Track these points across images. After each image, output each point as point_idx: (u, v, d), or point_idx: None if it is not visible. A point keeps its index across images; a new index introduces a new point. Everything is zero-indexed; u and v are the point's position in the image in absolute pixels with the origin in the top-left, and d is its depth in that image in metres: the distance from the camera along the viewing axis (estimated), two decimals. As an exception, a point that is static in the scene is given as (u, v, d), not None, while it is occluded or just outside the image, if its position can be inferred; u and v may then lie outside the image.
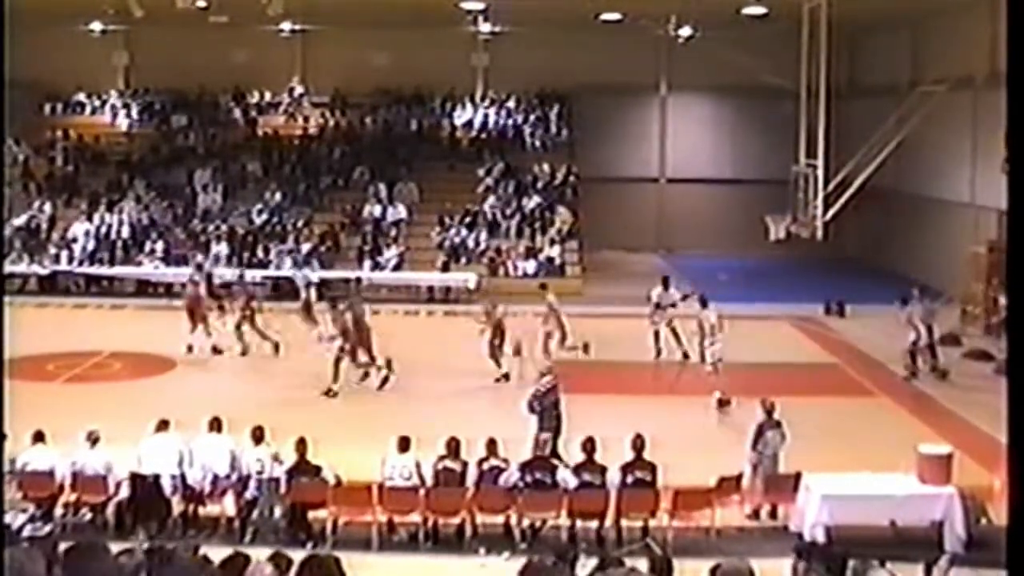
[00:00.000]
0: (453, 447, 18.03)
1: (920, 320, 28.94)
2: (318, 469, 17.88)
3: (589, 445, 17.99)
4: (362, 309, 28.35)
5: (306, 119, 50.43)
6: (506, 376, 27.58)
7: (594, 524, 17.65)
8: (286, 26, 48.67)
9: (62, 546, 8.98)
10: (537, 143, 48.96)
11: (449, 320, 35.21)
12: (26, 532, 16.47)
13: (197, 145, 48.66)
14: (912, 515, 17.11)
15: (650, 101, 51.59)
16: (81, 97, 52.20)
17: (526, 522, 17.74)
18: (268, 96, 51.87)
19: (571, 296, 35.65)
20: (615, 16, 42.89)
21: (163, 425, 18.80)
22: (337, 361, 26.70)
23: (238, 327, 30.16)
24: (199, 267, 34.90)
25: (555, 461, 18.96)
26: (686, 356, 29.51)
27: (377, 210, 43.69)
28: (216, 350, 30.22)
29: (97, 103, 52.18)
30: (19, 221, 43.62)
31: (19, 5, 38.63)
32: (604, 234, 46.88)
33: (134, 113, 51.49)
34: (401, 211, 43.67)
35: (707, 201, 51.02)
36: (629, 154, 51.46)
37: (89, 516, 18.11)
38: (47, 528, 16.97)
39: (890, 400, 26.92)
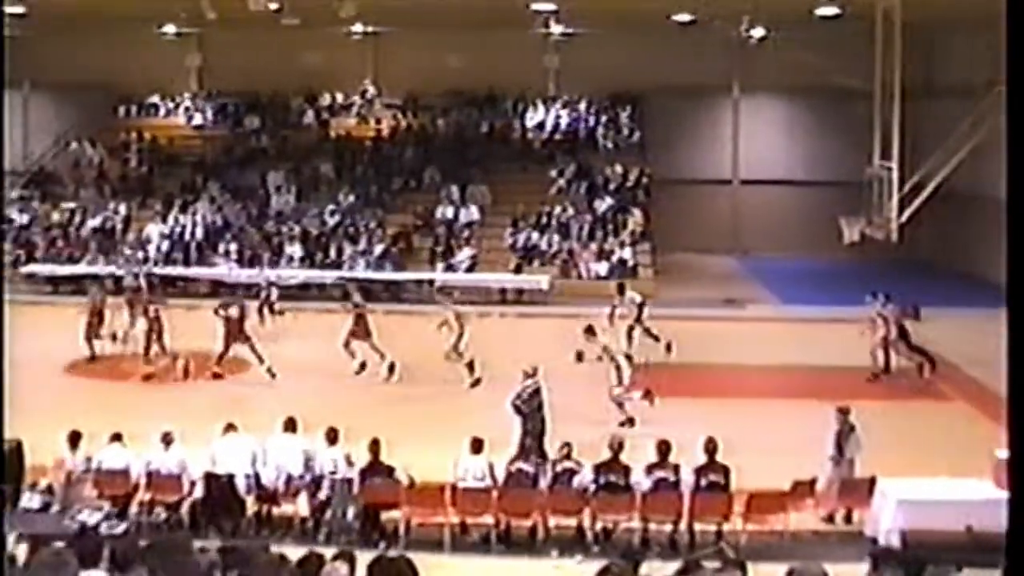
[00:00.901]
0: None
1: (893, 320, 29.01)
2: (391, 470, 17.93)
3: (663, 447, 17.93)
4: (362, 305, 29.20)
5: (378, 121, 50.54)
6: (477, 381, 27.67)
7: (667, 527, 17.60)
8: (358, 28, 48.78)
9: (144, 543, 9.03)
10: (609, 145, 48.81)
11: (522, 322, 35.23)
12: (102, 530, 16.64)
13: (270, 147, 48.88)
14: (989, 520, 16.88)
15: (723, 102, 51.33)
16: (155, 99, 52.61)
17: (599, 525, 17.69)
18: (340, 98, 52.01)
19: (644, 298, 35.51)
20: (687, 17, 42.70)
21: (232, 427, 18.91)
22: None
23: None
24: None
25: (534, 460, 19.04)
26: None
27: (449, 212, 43.74)
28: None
29: (171, 105, 52.57)
30: (94, 222, 44.04)
31: (94, 9, 39.12)
32: (677, 236, 46.64)
33: (207, 115, 51.82)
34: (473, 213, 43.69)
35: (780, 203, 50.67)
36: (702, 156, 51.23)
37: (164, 515, 18.23)
38: (122, 526, 17.12)
39: (966, 404, 26.63)
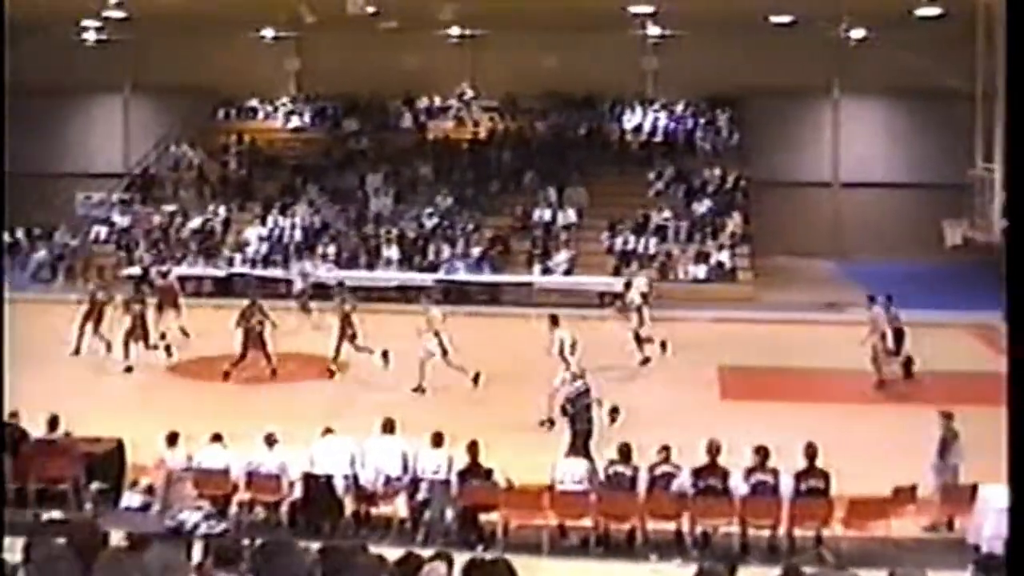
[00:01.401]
0: (625, 452, 17.92)
1: (888, 323, 28.67)
2: (489, 472, 17.90)
3: (761, 451, 17.76)
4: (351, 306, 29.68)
5: (476, 123, 50.59)
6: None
7: (765, 532, 17.44)
8: (455, 31, 48.89)
9: (247, 542, 9.06)
10: (707, 147, 48.54)
11: (620, 325, 35.05)
12: (201, 530, 16.77)
13: (368, 149, 49.08)
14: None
15: (822, 104, 50.87)
16: (254, 103, 53.02)
17: (697, 529, 17.56)
18: (438, 101, 52.13)
19: (743, 302, 35.36)
20: (786, 18, 42.40)
21: (330, 430, 18.99)
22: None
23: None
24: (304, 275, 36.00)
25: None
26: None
27: (547, 214, 43.69)
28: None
29: (270, 108, 52.95)
30: (194, 224, 44.49)
31: (195, 13, 39.49)
32: (776, 239, 46.28)
33: (306, 118, 52.14)
34: (571, 215, 43.61)
35: (881, 206, 50.11)
36: (801, 158, 50.81)
37: (263, 515, 18.35)
38: (221, 526, 17.25)
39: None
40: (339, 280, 36.30)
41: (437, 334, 27.58)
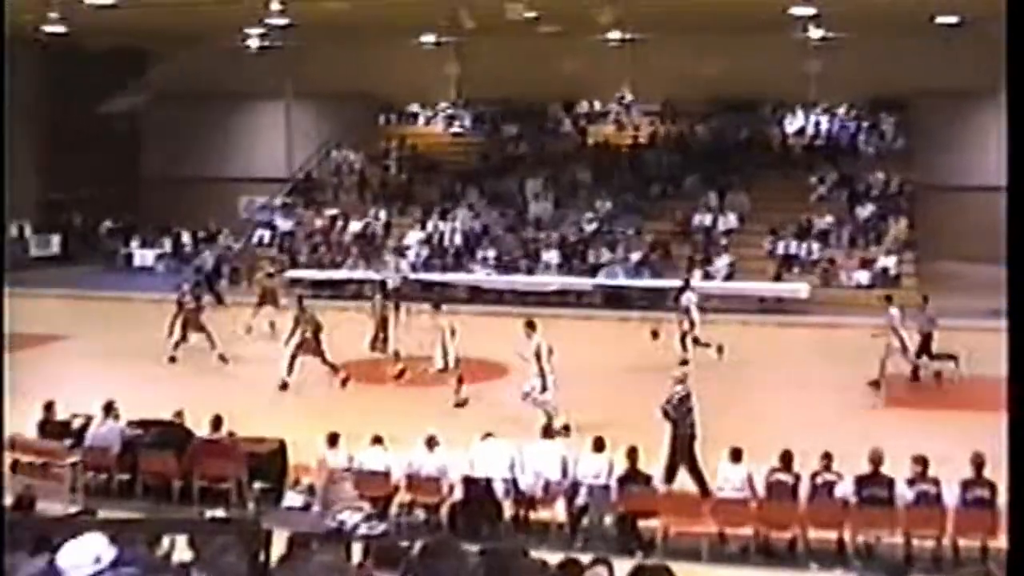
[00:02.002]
0: (787, 459, 17.69)
1: (918, 328, 28.47)
2: (649, 478, 17.79)
3: (921, 461, 17.38)
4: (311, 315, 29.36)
5: (636, 127, 50.45)
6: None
7: (930, 543, 17.07)
8: (615, 35, 48.69)
9: (414, 544, 9.04)
10: (871, 151, 47.84)
11: (782, 330, 34.76)
12: (361, 530, 16.86)
13: (528, 154, 49.17)
14: None
15: (989, 106, 49.79)
16: (415, 108, 53.45)
17: (860, 538, 17.25)
18: (598, 105, 52.09)
19: (907, 308, 34.74)
20: (952, 19, 41.60)
21: (490, 434, 19.02)
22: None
23: None
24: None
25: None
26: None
27: (708, 219, 43.37)
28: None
29: (430, 113, 53.36)
30: (355, 228, 44.91)
31: (356, 19, 39.86)
32: (942, 244, 45.39)
33: (466, 123, 52.41)
34: (732, 220, 43.25)
35: (1050, 209, 48.93)
36: (969, 162, 49.72)
37: (423, 517, 18.41)
38: (381, 527, 17.33)
39: None
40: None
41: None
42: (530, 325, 25.06)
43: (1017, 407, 6.71)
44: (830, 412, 24.82)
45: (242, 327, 33.14)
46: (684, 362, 29.18)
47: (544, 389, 24.04)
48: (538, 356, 24.42)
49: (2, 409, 20.35)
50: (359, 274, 41.23)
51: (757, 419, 24.25)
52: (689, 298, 31.31)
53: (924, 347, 28.62)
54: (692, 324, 30.68)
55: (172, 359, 30.42)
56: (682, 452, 19.91)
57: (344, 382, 28.01)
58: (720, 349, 30.06)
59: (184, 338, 31.09)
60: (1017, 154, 7.28)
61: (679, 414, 20.50)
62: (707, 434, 21.67)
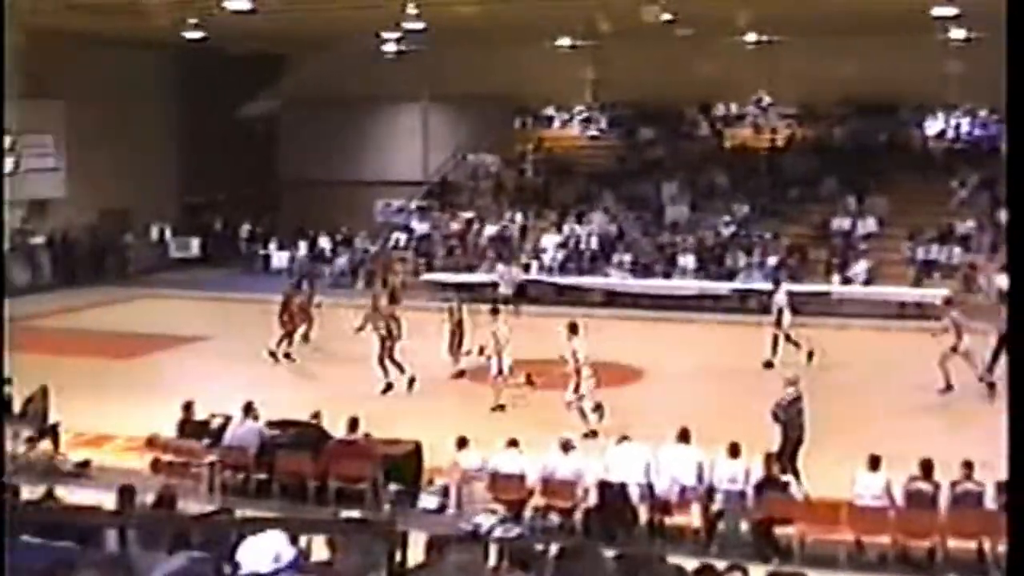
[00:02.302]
0: (926, 468, 17.38)
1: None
2: (786, 484, 17.58)
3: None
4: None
5: (773, 130, 50.05)
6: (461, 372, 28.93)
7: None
8: (752, 37, 48.31)
9: (549, 547, 9.02)
10: (1015, 154, 46.90)
11: (922, 336, 34.12)
12: (496, 533, 16.86)
13: (664, 157, 48.96)
14: None
15: None
16: (551, 111, 53.48)
17: (1001, 548, 16.89)
18: (734, 108, 51.77)
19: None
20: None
21: (626, 438, 18.92)
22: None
23: None
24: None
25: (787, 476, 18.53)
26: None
27: (846, 223, 42.78)
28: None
29: (566, 116, 53.35)
30: (491, 231, 45.00)
31: (492, 23, 39.94)
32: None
33: (602, 126, 52.33)
34: (871, 224, 42.62)
35: None
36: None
37: (557, 521, 18.35)
38: (516, 530, 17.32)
39: None
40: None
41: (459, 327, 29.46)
42: (572, 328, 24.85)
43: (1017, 407, 6.62)
44: (967, 418, 24.34)
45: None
46: (768, 364, 29.15)
47: (578, 393, 23.92)
48: (575, 359, 24.26)
49: (2, 406, 20.80)
50: (494, 277, 41.31)
51: (899, 426, 23.89)
52: (780, 300, 31.06)
53: None
54: (779, 323, 30.45)
55: (288, 356, 31.04)
56: (788, 455, 19.72)
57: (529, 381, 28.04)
58: (811, 354, 29.56)
59: (306, 338, 31.69)
60: (1017, 154, 7.19)
61: (788, 416, 20.36)
62: (849, 441, 21.41)
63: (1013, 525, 6.67)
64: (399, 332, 28.43)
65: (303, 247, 48.49)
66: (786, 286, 32.16)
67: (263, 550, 6.41)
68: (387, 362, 27.88)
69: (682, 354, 29.36)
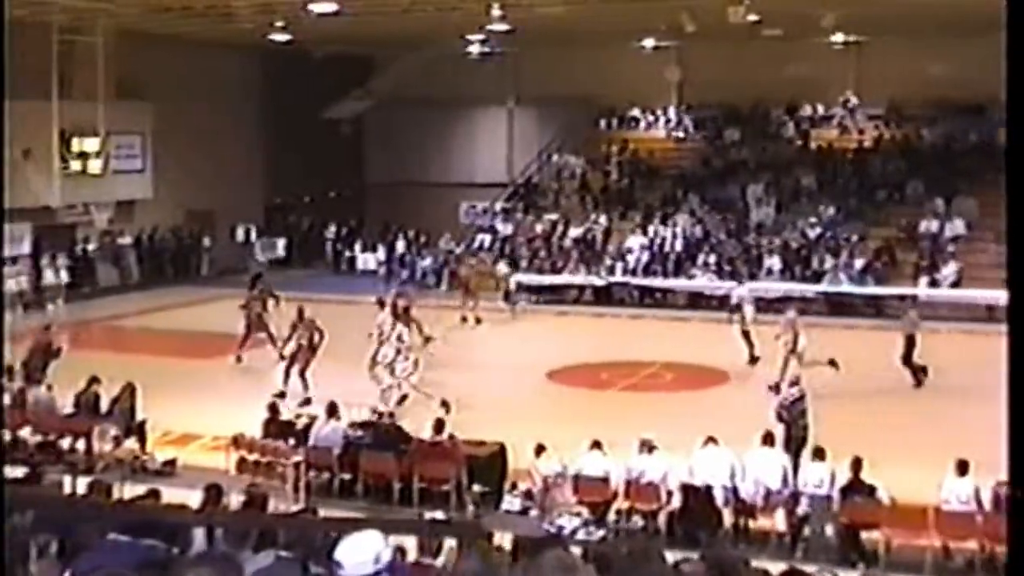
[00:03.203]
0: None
1: (903, 331, 28.07)
2: (872, 489, 17.41)
3: None
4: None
5: (860, 132, 49.53)
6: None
7: None
8: (839, 37, 47.95)
9: (631, 550, 9.01)
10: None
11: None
12: (580, 535, 16.85)
13: (750, 159, 48.67)
14: None
15: None
16: (635, 112, 53.23)
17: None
18: (821, 109, 51.31)
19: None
20: None
21: (712, 440, 18.84)
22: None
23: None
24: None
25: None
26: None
27: (934, 225, 42.30)
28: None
29: (651, 118, 53.09)
30: (576, 233, 44.96)
31: (577, 24, 39.95)
32: None
33: (687, 127, 52.08)
34: (959, 226, 42.10)
35: None
36: None
37: (641, 523, 18.30)
38: (599, 533, 17.29)
39: None
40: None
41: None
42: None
43: (1017, 404, 6.58)
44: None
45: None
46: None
47: None
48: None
49: (2, 402, 20.98)
50: (579, 279, 41.25)
51: (985, 432, 23.54)
52: (741, 295, 31.51)
53: None
54: (743, 320, 30.65)
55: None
56: (793, 453, 19.59)
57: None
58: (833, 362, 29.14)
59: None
60: (1017, 153, 7.14)
61: (792, 416, 20.27)
62: (935, 444, 21.20)
63: (1013, 523, 6.62)
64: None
65: (400, 246, 48.58)
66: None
67: (364, 550, 6.42)
68: None
69: (767, 357, 29.10)
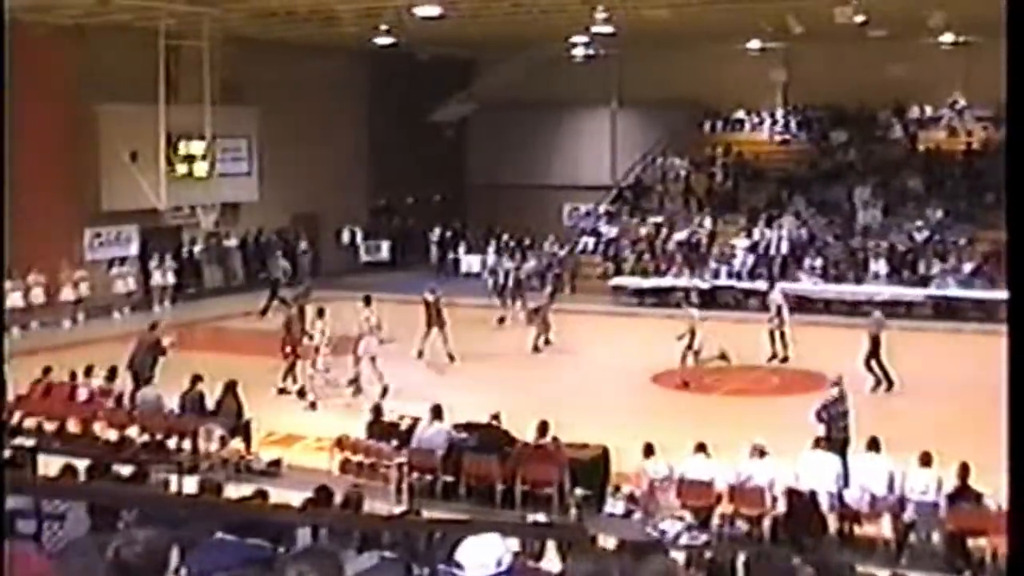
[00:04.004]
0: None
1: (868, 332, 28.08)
2: (979, 496, 17.17)
3: None
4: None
5: (969, 134, 48.88)
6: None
7: None
8: (947, 38, 47.34)
9: (736, 555, 8.95)
10: None
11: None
12: (683, 540, 16.78)
13: (856, 161, 48.21)
14: None
15: None
16: (740, 114, 52.91)
17: None
18: (929, 110, 50.69)
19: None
20: None
21: (819, 443, 18.71)
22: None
23: None
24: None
25: None
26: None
27: (1044, 227, 41.66)
28: None
29: (756, 120, 52.74)
30: (680, 235, 44.79)
31: (680, 26, 39.79)
32: None
33: (793, 129, 51.68)
34: (1070, 229, 41.46)
35: None
36: None
37: (745, 528, 18.18)
38: (703, 538, 17.21)
39: None
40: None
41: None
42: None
43: (1017, 407, 6.47)
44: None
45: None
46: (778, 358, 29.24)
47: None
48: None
49: (3, 399, 21.12)
50: (683, 282, 41.08)
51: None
52: (775, 299, 32.00)
53: None
54: (782, 322, 31.35)
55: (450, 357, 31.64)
56: (838, 454, 19.35)
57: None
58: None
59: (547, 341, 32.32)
60: (1017, 152, 7.04)
61: (831, 416, 20.03)
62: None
63: (1013, 524, 6.52)
64: None
65: (491, 251, 48.66)
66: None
67: (485, 553, 6.41)
68: None
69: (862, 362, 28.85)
